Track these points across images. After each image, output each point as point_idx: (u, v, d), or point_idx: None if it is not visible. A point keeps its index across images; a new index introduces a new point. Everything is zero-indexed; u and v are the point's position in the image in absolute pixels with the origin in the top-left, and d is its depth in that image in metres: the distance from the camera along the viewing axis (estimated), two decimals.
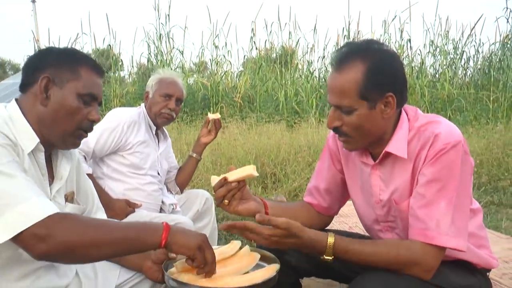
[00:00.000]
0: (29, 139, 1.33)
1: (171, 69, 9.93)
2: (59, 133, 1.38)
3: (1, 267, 1.26)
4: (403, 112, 1.52)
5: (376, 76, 1.40)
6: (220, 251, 1.50)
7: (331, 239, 1.38)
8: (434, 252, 1.36)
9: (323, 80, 11.08)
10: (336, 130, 1.48)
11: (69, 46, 9.24)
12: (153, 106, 2.52)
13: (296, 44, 11.21)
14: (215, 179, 1.52)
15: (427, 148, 1.41)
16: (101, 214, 1.67)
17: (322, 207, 1.78)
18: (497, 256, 1.66)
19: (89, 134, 2.25)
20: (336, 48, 10.84)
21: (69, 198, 1.50)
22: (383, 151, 1.49)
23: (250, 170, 1.51)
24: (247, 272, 1.41)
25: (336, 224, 2.58)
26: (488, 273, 1.61)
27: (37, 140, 1.34)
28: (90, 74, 1.42)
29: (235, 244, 1.52)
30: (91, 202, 1.64)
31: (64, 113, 1.36)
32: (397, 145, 1.47)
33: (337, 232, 1.86)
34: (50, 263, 1.38)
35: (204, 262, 1.29)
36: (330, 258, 1.38)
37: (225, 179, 1.49)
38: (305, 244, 1.37)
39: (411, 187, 1.47)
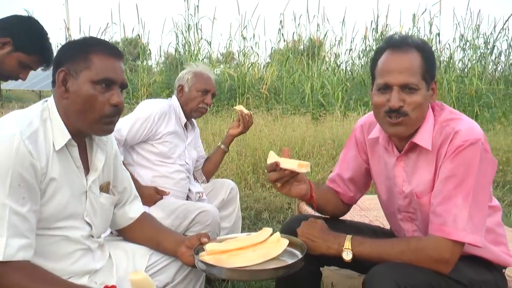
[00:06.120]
0: (62, 135, 1.39)
1: (199, 59, 10.05)
2: (85, 123, 1.41)
3: (41, 248, 1.35)
4: (429, 106, 1.57)
5: (429, 62, 1.51)
6: (250, 237, 1.59)
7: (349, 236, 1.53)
8: (450, 246, 1.41)
9: (350, 73, 11.04)
10: (394, 111, 1.49)
11: (97, 35, 9.44)
12: (190, 101, 2.61)
13: (324, 37, 11.19)
14: (272, 156, 1.54)
15: (447, 144, 1.47)
16: (138, 203, 1.77)
17: (348, 196, 1.85)
18: None
19: (121, 123, 2.39)
20: (368, 39, 10.82)
21: (104, 188, 1.58)
22: (409, 142, 1.55)
23: (297, 166, 1.51)
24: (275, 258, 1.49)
25: (357, 217, 2.62)
26: (504, 270, 1.64)
27: (68, 136, 1.40)
28: (104, 59, 1.41)
29: (266, 230, 1.60)
30: (128, 192, 1.73)
31: (82, 103, 1.38)
32: (422, 136, 1.52)
33: (358, 225, 1.94)
34: (87, 247, 1.49)
35: None
36: (350, 257, 1.50)
37: (276, 164, 1.51)
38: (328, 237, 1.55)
39: (432, 182, 1.52)
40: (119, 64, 1.46)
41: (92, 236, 1.51)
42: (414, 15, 10.71)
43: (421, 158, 1.55)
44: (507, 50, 10.93)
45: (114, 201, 1.64)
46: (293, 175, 1.56)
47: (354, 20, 20.76)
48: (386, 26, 10.93)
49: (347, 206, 1.90)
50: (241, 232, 2.90)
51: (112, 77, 1.41)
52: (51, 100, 1.45)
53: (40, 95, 14.93)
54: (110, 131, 1.48)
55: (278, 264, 1.44)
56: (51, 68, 1.49)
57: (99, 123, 1.42)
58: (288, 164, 1.52)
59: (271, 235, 1.58)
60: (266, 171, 1.59)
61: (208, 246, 1.50)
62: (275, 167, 1.52)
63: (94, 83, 1.39)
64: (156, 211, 2.35)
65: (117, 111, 1.44)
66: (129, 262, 1.60)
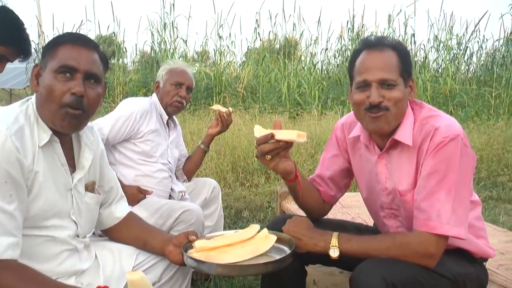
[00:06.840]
0: (45, 131, 1.38)
1: (175, 57, 10.00)
2: (48, 114, 1.38)
3: (28, 250, 1.33)
4: (408, 104, 1.61)
5: (405, 60, 1.56)
6: (238, 234, 1.60)
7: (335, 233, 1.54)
8: (435, 241, 1.44)
9: (326, 72, 11.14)
10: (375, 107, 1.52)
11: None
12: (165, 95, 2.61)
13: (300, 36, 11.26)
14: (259, 130, 1.50)
15: (428, 141, 1.50)
16: (124, 203, 1.76)
17: (329, 195, 1.86)
18: (494, 248, 1.74)
19: (102, 122, 2.36)
20: (345, 39, 10.94)
21: (90, 187, 1.56)
22: (390, 139, 1.58)
23: (296, 135, 1.46)
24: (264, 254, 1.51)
25: (339, 214, 2.66)
26: (485, 263, 1.69)
27: (50, 132, 1.38)
28: (68, 47, 1.39)
29: (254, 227, 1.62)
30: (115, 192, 1.71)
31: (45, 93, 1.36)
32: (403, 133, 1.56)
33: (342, 222, 1.95)
34: (74, 247, 1.47)
35: None
36: (336, 254, 1.50)
37: (272, 135, 1.47)
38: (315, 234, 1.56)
39: (415, 178, 1.55)
40: (86, 53, 1.42)
41: (78, 236, 1.50)
42: (389, 16, 10.89)
43: (403, 156, 1.59)
44: (478, 52, 11.23)
45: (99, 201, 1.63)
46: (286, 147, 1.52)
47: (330, 20, 20.97)
48: (362, 26, 11.07)
49: (328, 205, 1.90)
50: (223, 230, 2.91)
51: (71, 64, 1.37)
52: (34, 97, 1.43)
53: (10, 93, 14.60)
54: (73, 124, 1.40)
55: (267, 260, 1.45)
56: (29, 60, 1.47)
57: (58, 113, 1.36)
58: (285, 135, 1.47)
59: (258, 231, 1.59)
60: (256, 144, 1.53)
61: (197, 243, 1.50)
62: (270, 138, 1.48)
63: (55, 72, 1.37)
64: (140, 211, 2.33)
65: (78, 101, 1.37)
66: (116, 262, 1.59)
